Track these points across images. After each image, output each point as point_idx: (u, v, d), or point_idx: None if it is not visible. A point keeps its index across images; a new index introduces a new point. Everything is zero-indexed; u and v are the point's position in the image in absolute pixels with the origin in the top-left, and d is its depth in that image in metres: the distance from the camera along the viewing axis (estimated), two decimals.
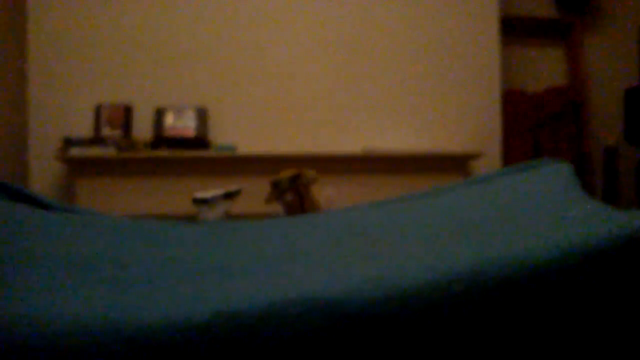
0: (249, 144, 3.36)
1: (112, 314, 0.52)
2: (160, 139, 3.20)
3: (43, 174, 3.28)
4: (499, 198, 0.86)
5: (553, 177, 0.84)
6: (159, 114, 3.25)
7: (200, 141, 3.20)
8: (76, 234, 1.03)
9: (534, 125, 3.61)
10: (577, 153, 3.60)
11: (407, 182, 3.22)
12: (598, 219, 0.60)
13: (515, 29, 3.76)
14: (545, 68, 3.87)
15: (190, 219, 3.08)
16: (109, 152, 3.09)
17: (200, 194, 1.33)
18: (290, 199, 1.44)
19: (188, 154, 3.11)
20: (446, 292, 0.53)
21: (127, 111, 3.29)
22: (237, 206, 3.11)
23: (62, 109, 3.33)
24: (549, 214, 0.71)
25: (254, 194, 3.16)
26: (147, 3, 3.37)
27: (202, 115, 3.25)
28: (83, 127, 3.32)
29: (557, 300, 0.53)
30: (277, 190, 1.45)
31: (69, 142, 3.10)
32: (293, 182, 1.47)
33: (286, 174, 1.47)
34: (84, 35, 3.35)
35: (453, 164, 3.27)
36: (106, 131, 3.26)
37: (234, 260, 0.79)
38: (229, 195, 1.35)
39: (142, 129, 3.32)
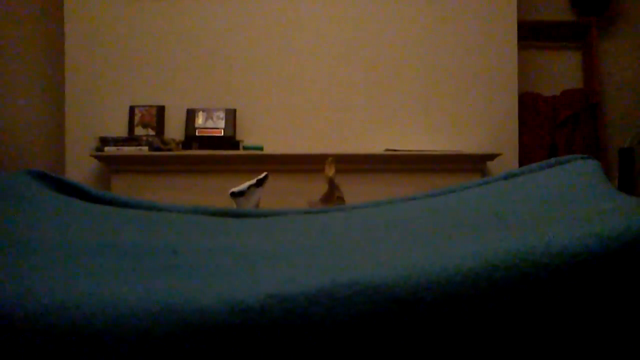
0: (275, 143, 3.48)
1: (171, 299, 0.53)
2: (191, 139, 3.34)
3: (79, 170, 3.42)
4: (533, 191, 0.89)
5: (583, 171, 0.87)
6: (190, 114, 3.39)
7: (229, 141, 3.34)
8: (125, 223, 1.05)
9: (551, 127, 3.70)
10: (593, 155, 3.68)
11: (426, 181, 3.32)
12: (633, 210, 0.61)
13: (532, 33, 3.84)
14: (562, 71, 3.96)
15: None
16: (142, 150, 3.23)
17: (236, 189, 1.45)
18: (341, 194, 1.56)
19: (217, 152, 3.25)
20: (489, 279, 0.54)
21: (160, 112, 3.43)
22: (266, 201, 3.23)
23: (97, 109, 3.47)
24: (583, 206, 0.72)
25: (281, 190, 3.27)
26: (179, 8, 3.50)
27: (231, 116, 3.38)
28: (117, 127, 3.46)
29: (599, 289, 0.54)
30: (333, 187, 1.56)
31: (104, 141, 3.24)
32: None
33: (331, 170, 1.58)
34: (119, 39, 3.49)
35: (471, 164, 3.36)
36: (139, 131, 3.39)
37: (280, 249, 0.81)
38: (260, 183, 1.46)
39: (174, 129, 3.46)
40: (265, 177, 1.45)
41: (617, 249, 0.54)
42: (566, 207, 0.75)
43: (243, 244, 0.87)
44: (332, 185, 1.62)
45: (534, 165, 1.07)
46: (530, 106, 3.69)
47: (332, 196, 1.64)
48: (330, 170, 1.64)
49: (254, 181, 1.45)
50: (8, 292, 0.54)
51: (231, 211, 1.26)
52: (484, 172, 3.41)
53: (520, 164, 3.56)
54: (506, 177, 1.08)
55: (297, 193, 3.28)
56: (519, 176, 1.06)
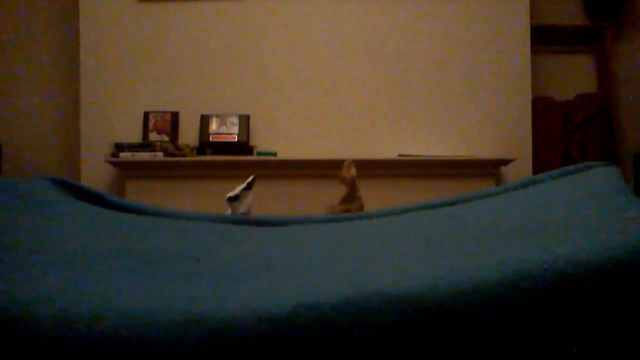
0: (288, 149, 3.49)
1: (195, 308, 0.53)
2: (205, 144, 3.35)
3: (94, 176, 3.44)
4: (555, 199, 0.88)
5: (604, 179, 0.87)
6: (204, 120, 3.41)
7: (242, 146, 3.35)
8: (145, 231, 1.05)
9: (564, 132, 3.68)
10: (607, 159, 3.66)
11: (440, 186, 3.31)
12: None
13: (545, 37, 3.83)
14: (576, 75, 3.94)
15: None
16: (157, 156, 3.25)
17: (231, 193, 1.48)
18: (360, 195, 1.58)
19: (231, 158, 3.26)
20: (515, 288, 0.54)
21: (174, 117, 3.45)
22: (276, 206, 3.24)
23: (112, 115, 3.50)
24: (607, 214, 0.72)
25: (295, 195, 3.28)
26: (193, 15, 3.52)
27: (244, 122, 3.40)
28: (132, 133, 3.48)
29: (625, 298, 0.54)
30: (354, 188, 1.58)
31: (119, 147, 3.27)
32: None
33: (351, 168, 1.60)
34: (133, 46, 3.52)
35: (484, 169, 3.35)
36: (154, 137, 3.42)
37: (302, 257, 0.81)
38: (250, 186, 1.49)
39: (188, 135, 3.48)
40: (253, 180, 1.49)
41: None
42: (590, 216, 0.75)
43: (265, 252, 0.86)
44: (353, 187, 1.64)
45: (553, 172, 1.06)
46: (543, 111, 3.68)
47: (353, 197, 1.66)
48: (352, 171, 1.67)
49: (244, 185, 1.49)
50: (32, 300, 0.55)
51: (252, 220, 1.26)
52: (497, 178, 3.40)
53: (534, 168, 3.55)
54: (526, 185, 1.08)
55: (311, 198, 3.28)
56: (540, 183, 1.06)
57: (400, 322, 0.53)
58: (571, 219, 0.75)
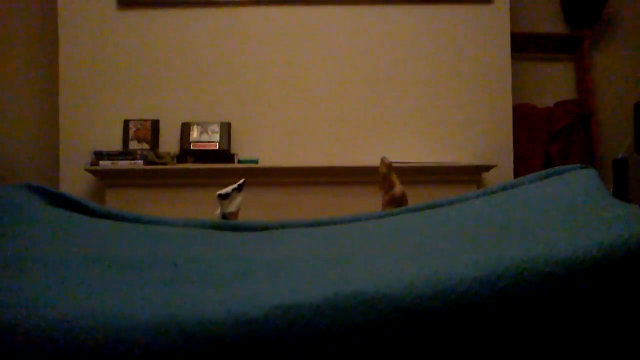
0: (270, 157, 3.48)
1: (172, 310, 0.53)
2: (186, 153, 3.33)
3: (73, 184, 3.40)
4: (534, 201, 0.89)
5: (582, 181, 0.88)
6: (185, 128, 3.39)
7: (224, 154, 3.33)
8: (124, 237, 1.05)
9: (545, 138, 3.71)
10: (587, 165, 3.69)
11: (423, 193, 3.32)
12: (633, 219, 0.62)
13: (525, 45, 3.87)
14: (556, 82, 3.98)
15: None
16: (137, 165, 3.22)
17: (223, 191, 1.52)
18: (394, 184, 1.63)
19: (213, 166, 3.24)
20: (494, 287, 0.54)
21: (155, 126, 3.42)
22: (262, 214, 3.22)
23: (92, 123, 3.46)
24: (584, 215, 0.72)
25: (276, 203, 3.27)
26: (174, 23, 3.51)
27: (226, 130, 3.38)
28: (112, 141, 3.45)
29: (602, 296, 0.54)
30: (388, 179, 1.62)
31: (99, 155, 3.23)
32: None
33: (388, 166, 1.64)
34: (114, 53, 3.49)
35: (467, 176, 3.37)
36: (134, 145, 3.39)
37: (281, 260, 0.80)
38: (240, 188, 1.53)
39: (169, 143, 3.45)
40: (244, 183, 1.53)
41: (620, 257, 0.55)
42: (568, 216, 0.76)
43: (243, 255, 0.86)
44: (387, 178, 1.70)
45: (533, 175, 1.07)
46: (524, 117, 3.71)
47: (391, 187, 1.72)
48: (382, 167, 1.73)
49: (235, 186, 1.52)
50: (9, 307, 0.54)
51: (230, 224, 1.26)
52: (480, 184, 3.41)
53: (516, 175, 3.57)
54: (507, 188, 1.09)
55: (293, 206, 3.27)
56: (520, 186, 1.07)
57: (379, 323, 0.53)
58: (550, 220, 0.75)
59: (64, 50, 3.47)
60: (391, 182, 1.71)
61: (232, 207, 1.51)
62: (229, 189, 1.52)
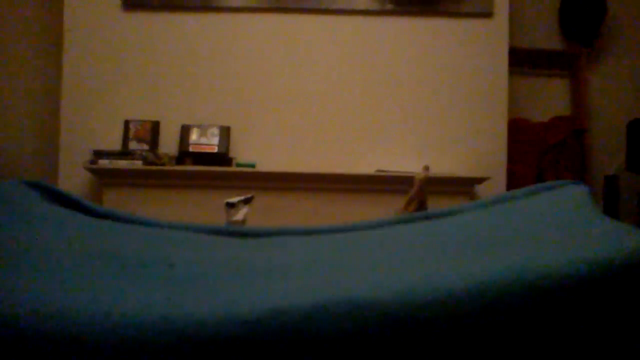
0: (267, 161, 3.51)
1: (167, 311, 0.54)
2: (185, 154, 3.36)
3: (71, 182, 3.42)
4: (525, 216, 0.91)
5: (573, 197, 0.90)
6: (185, 130, 3.42)
7: (222, 157, 3.37)
8: (121, 236, 1.05)
9: (538, 153, 3.76)
10: (579, 181, 3.73)
11: None
12: (621, 236, 0.63)
13: (522, 60, 3.92)
14: (552, 98, 4.03)
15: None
16: (135, 164, 3.25)
17: (231, 200, 1.54)
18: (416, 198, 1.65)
19: (210, 169, 3.27)
20: (481, 298, 0.55)
21: (155, 126, 3.46)
22: (257, 218, 3.25)
23: (92, 122, 3.49)
24: (573, 231, 0.74)
25: (272, 207, 3.30)
26: (178, 26, 3.54)
27: (225, 133, 3.42)
28: (112, 140, 3.47)
29: (587, 310, 0.56)
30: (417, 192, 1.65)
31: (98, 154, 3.26)
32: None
33: (422, 176, 1.67)
34: (116, 53, 3.52)
35: (459, 187, 3.41)
36: (134, 145, 3.42)
37: (276, 266, 0.81)
38: (247, 201, 1.55)
39: (168, 144, 3.48)
40: (251, 198, 1.56)
41: (606, 273, 0.56)
42: (557, 231, 0.77)
43: (239, 259, 0.87)
44: (418, 190, 1.72)
45: (525, 189, 1.09)
46: (519, 131, 3.76)
47: (414, 199, 1.74)
48: (416, 181, 1.75)
49: (242, 198, 1.54)
50: (5, 302, 0.55)
51: (226, 230, 1.28)
52: (471, 196, 3.45)
53: (508, 188, 3.60)
54: (499, 201, 1.10)
55: (289, 211, 3.30)
56: (511, 200, 1.08)
57: (367, 329, 0.54)
58: (539, 234, 0.77)
59: (68, 49, 3.50)
60: (415, 196, 1.73)
61: (237, 216, 1.54)
62: (236, 199, 1.55)
